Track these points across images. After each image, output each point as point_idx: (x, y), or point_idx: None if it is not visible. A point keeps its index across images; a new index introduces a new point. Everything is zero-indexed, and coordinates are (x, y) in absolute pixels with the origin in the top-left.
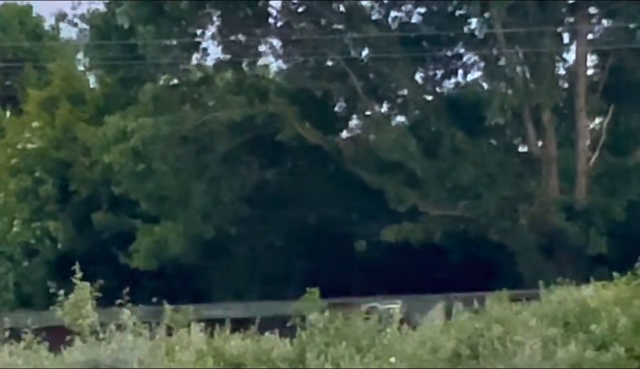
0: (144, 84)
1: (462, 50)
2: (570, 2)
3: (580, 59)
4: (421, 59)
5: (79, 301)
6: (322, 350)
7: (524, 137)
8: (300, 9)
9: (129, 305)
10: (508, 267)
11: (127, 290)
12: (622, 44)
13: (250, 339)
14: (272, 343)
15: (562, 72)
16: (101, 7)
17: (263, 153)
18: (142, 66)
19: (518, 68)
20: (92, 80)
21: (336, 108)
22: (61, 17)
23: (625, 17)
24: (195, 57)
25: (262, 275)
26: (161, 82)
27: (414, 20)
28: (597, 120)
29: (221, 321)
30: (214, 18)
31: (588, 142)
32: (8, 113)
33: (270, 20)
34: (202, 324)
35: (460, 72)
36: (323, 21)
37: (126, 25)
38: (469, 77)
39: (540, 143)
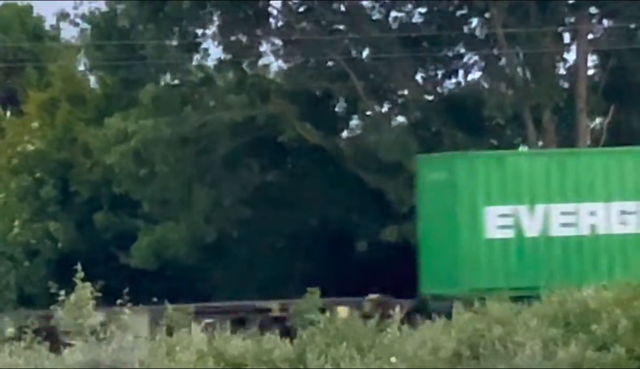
0: (144, 85)
1: (462, 50)
2: (571, 2)
3: (581, 59)
4: (422, 59)
5: (80, 301)
6: (323, 350)
7: (525, 137)
8: (300, 9)
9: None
10: None
11: (127, 290)
12: (622, 44)
13: (250, 339)
14: (272, 343)
15: (562, 72)
16: (102, 7)
17: (264, 154)
18: (142, 67)
19: (519, 69)
20: (92, 81)
21: (337, 109)
22: (63, 16)
23: (625, 17)
24: (196, 58)
25: (262, 275)
26: (162, 83)
27: (414, 20)
28: (598, 120)
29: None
30: (215, 18)
31: (588, 142)
32: (9, 114)
33: (271, 20)
34: (203, 324)
35: (460, 72)
36: (324, 21)
37: (127, 25)
38: (470, 77)
39: (540, 144)
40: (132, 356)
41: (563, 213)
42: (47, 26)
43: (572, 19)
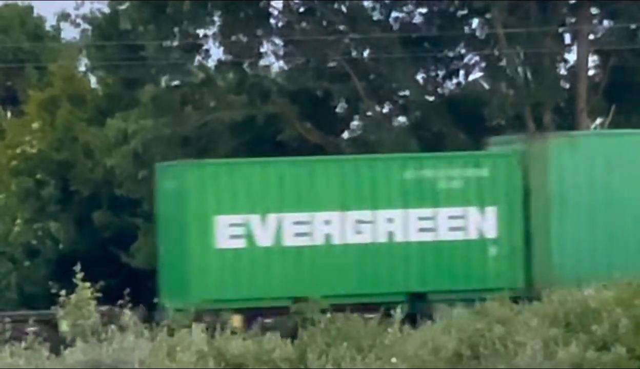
0: (145, 85)
1: (463, 51)
2: (572, 2)
3: (582, 60)
4: (422, 60)
5: (80, 301)
6: (324, 350)
7: None
8: (301, 9)
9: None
10: None
11: (127, 290)
12: (623, 44)
13: (251, 339)
14: (273, 343)
15: (563, 72)
16: (103, 8)
17: (264, 154)
18: (143, 67)
19: (519, 69)
20: (93, 81)
21: (337, 109)
22: (64, 17)
23: (626, 17)
24: (196, 58)
25: None
26: (162, 83)
27: (415, 20)
28: (599, 121)
29: None
30: (215, 18)
31: None
32: (9, 114)
33: (272, 21)
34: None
35: (461, 72)
36: (324, 22)
37: (128, 27)
38: (471, 78)
39: None
40: (133, 356)
41: (296, 223)
42: (47, 26)
43: (573, 19)
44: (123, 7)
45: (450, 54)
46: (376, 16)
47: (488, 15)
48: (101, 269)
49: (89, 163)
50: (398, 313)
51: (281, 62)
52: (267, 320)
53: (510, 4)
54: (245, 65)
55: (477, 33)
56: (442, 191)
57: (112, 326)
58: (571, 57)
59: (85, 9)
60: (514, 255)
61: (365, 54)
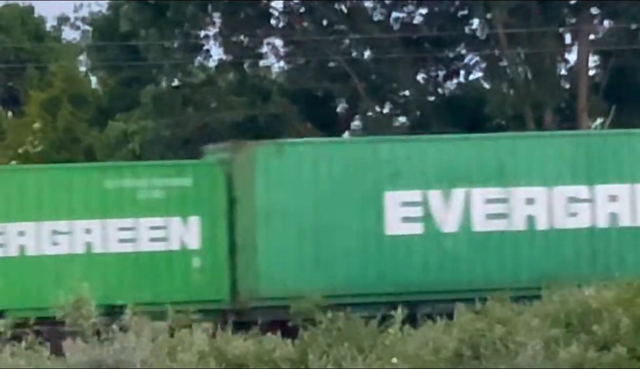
0: (146, 86)
1: (463, 51)
2: (572, 2)
3: (582, 60)
4: (423, 60)
5: (80, 301)
6: (324, 350)
7: None
8: (302, 10)
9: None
10: None
11: None
12: (623, 44)
13: (252, 339)
14: (274, 343)
15: (563, 72)
16: (104, 9)
17: None
18: (144, 68)
19: (520, 69)
20: (94, 81)
21: (338, 109)
22: (63, 20)
23: (627, 17)
24: (197, 59)
25: None
26: (163, 84)
27: (415, 21)
28: (599, 121)
29: None
30: (216, 19)
31: None
32: (10, 115)
33: (272, 22)
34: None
35: (462, 72)
36: (325, 22)
37: (130, 28)
38: (471, 78)
39: None
40: (134, 356)
41: None
42: (48, 27)
43: (573, 20)
44: (123, 8)
45: (451, 54)
46: (377, 16)
47: (489, 16)
48: None
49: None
50: (399, 313)
51: (282, 63)
52: None
53: (510, 4)
54: (245, 66)
55: (478, 33)
56: (142, 201)
57: (114, 326)
58: (572, 57)
59: (84, 12)
60: (218, 266)
61: (366, 54)
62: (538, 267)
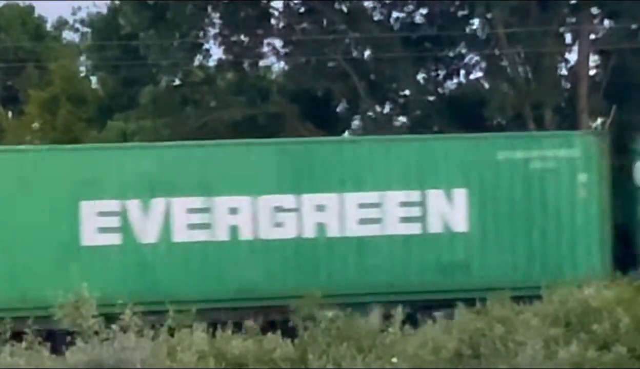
0: (146, 86)
1: (464, 51)
2: (572, 2)
3: (582, 59)
4: (423, 59)
5: (80, 301)
6: (324, 350)
7: None
8: (302, 10)
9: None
10: None
11: None
12: (624, 44)
13: (252, 339)
14: (274, 343)
15: (564, 72)
16: (103, 10)
17: None
18: (144, 67)
19: (520, 69)
20: (94, 81)
21: (338, 109)
22: (62, 23)
23: (627, 17)
24: (197, 58)
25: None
26: (163, 83)
27: (415, 20)
28: (599, 121)
29: None
30: (216, 20)
31: None
32: (10, 114)
33: (272, 21)
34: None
35: (462, 72)
36: (325, 22)
37: (129, 30)
38: (471, 77)
39: None
40: (135, 356)
41: None
42: (48, 26)
43: (574, 19)
44: (123, 10)
45: (451, 54)
46: (377, 16)
47: (489, 15)
48: None
49: None
50: (399, 312)
51: (281, 62)
52: None
53: (511, 4)
54: (245, 65)
55: (478, 33)
56: None
57: (114, 326)
58: (572, 57)
59: (83, 14)
60: None
61: (366, 53)
62: (243, 278)
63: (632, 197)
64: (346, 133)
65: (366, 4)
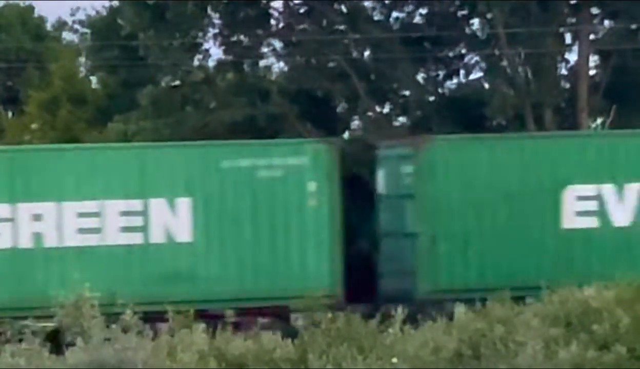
0: (146, 86)
1: (464, 51)
2: (572, 2)
3: (582, 59)
4: (423, 60)
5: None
6: (324, 350)
7: None
8: (301, 10)
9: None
10: None
11: None
12: (624, 44)
13: (252, 339)
14: (274, 343)
15: (564, 72)
16: (101, 11)
17: None
18: (144, 67)
19: (520, 69)
20: (94, 81)
21: (338, 109)
22: (61, 25)
23: (627, 17)
24: (196, 58)
25: None
26: (163, 84)
27: (415, 20)
28: (599, 120)
29: None
30: (215, 20)
31: None
32: (10, 114)
33: (272, 21)
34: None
35: (462, 72)
36: (325, 22)
37: (129, 30)
38: (471, 78)
39: None
40: (136, 356)
41: None
42: (48, 26)
43: (574, 20)
44: (122, 10)
45: (451, 54)
46: (377, 16)
47: (489, 15)
48: None
49: None
50: (399, 312)
51: (281, 63)
52: None
53: (511, 4)
54: (245, 66)
55: (478, 33)
56: None
57: (114, 326)
58: (572, 57)
59: (81, 15)
60: None
61: (366, 54)
62: None
63: (373, 205)
64: (346, 134)
65: (366, 4)
